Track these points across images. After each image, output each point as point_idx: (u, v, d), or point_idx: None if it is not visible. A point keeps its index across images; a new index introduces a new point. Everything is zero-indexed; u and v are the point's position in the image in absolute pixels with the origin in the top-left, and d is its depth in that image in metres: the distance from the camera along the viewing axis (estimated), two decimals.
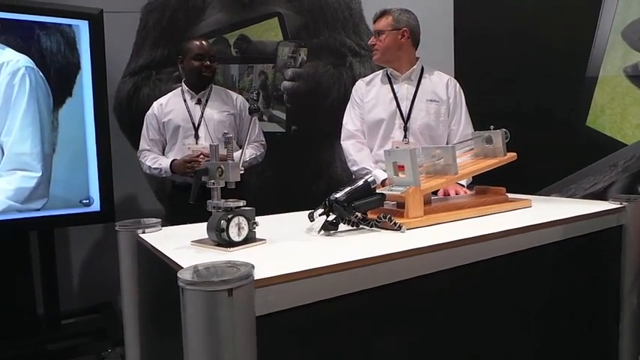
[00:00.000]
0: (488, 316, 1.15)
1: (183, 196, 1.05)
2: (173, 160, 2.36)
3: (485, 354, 1.16)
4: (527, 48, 2.35)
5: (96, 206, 2.60)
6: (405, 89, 2.07)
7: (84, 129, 2.57)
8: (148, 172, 2.46)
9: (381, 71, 2.19)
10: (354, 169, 2.09)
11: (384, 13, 2.06)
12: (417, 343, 1.02)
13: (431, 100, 2.05)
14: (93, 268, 3.04)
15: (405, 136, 2.02)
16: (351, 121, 2.15)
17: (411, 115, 2.03)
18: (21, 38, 2.40)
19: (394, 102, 2.06)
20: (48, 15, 2.46)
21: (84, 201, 2.57)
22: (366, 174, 1.95)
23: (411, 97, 2.05)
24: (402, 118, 2.04)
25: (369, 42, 2.12)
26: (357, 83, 2.22)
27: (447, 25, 2.65)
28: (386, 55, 2.07)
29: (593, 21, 2.20)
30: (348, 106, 2.21)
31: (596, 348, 1.49)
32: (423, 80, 2.08)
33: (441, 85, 2.09)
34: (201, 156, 2.26)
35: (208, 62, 2.40)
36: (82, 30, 2.55)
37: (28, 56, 2.42)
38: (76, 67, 2.55)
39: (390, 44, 2.05)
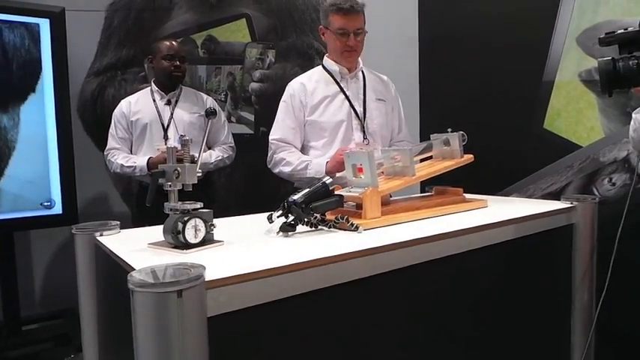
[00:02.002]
0: (443, 313, 1.18)
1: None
2: (150, 158, 2.32)
3: (440, 351, 1.19)
4: (488, 53, 2.42)
5: (58, 209, 2.54)
6: (354, 88, 1.95)
7: (45, 128, 2.51)
8: (118, 170, 2.39)
9: (316, 69, 2.01)
10: (287, 170, 1.89)
11: (362, 8, 1.85)
12: (373, 343, 1.04)
13: (379, 100, 1.98)
14: (56, 272, 2.96)
15: (364, 137, 1.91)
16: (288, 131, 1.93)
17: (367, 115, 1.93)
18: None
19: (347, 102, 1.92)
20: (7, 13, 2.40)
21: (45, 203, 2.51)
22: (306, 166, 1.86)
23: (362, 97, 1.95)
24: (358, 118, 1.92)
25: (347, 43, 1.85)
26: (292, 85, 1.96)
27: (411, 30, 2.70)
28: (358, 56, 1.95)
29: (549, 27, 2.28)
30: (282, 109, 1.96)
31: (549, 343, 1.54)
32: (367, 79, 1.99)
33: (383, 84, 2.04)
34: None
35: (178, 62, 2.39)
36: (43, 28, 2.50)
37: None
38: (39, 63, 2.49)
39: (363, 43, 1.92)
